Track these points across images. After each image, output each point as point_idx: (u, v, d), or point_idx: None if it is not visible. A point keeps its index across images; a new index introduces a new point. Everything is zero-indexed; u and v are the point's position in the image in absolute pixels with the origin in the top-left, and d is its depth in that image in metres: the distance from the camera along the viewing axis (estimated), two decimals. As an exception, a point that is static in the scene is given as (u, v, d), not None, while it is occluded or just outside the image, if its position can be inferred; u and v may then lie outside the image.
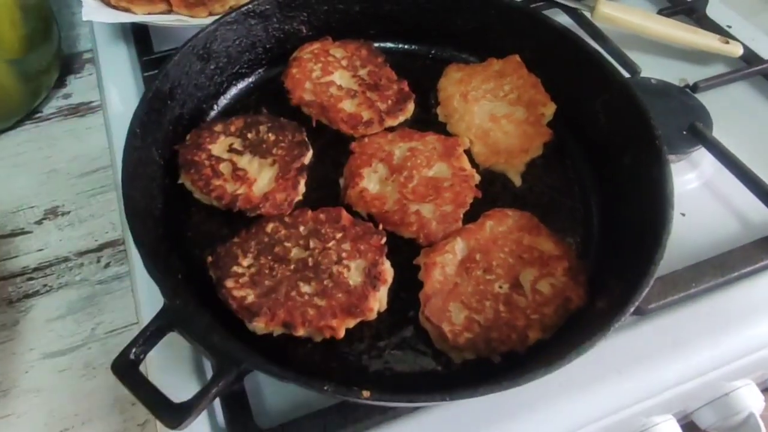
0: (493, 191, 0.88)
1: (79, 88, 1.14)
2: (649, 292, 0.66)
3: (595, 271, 0.77)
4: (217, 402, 0.70)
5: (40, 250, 0.90)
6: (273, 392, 0.73)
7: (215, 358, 0.60)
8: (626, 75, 1.01)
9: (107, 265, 0.89)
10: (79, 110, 1.10)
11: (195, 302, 0.68)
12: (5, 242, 0.91)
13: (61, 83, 1.14)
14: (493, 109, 0.94)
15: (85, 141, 1.05)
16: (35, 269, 0.88)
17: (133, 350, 0.60)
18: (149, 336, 0.61)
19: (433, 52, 1.07)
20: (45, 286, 0.87)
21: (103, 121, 1.05)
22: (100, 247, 0.90)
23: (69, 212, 0.94)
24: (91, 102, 1.11)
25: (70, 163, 1.01)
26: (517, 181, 0.89)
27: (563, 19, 1.12)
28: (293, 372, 0.57)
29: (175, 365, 0.74)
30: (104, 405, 0.74)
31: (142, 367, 0.72)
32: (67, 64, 1.17)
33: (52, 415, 0.76)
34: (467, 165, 0.88)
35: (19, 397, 0.77)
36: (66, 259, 0.89)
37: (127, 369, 0.59)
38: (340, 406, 0.69)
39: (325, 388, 0.56)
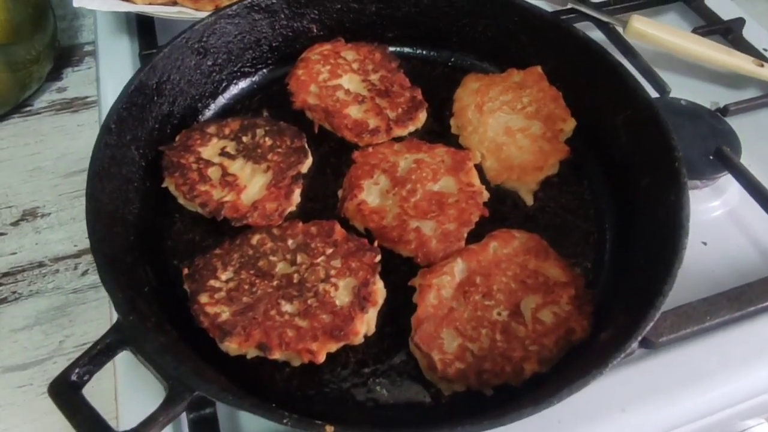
0: (502, 210, 0.84)
1: (75, 82, 1.12)
2: (661, 324, 0.65)
3: (602, 301, 0.73)
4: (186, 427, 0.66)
5: (14, 253, 0.88)
6: (249, 419, 0.69)
7: (167, 382, 0.56)
8: (655, 94, 0.99)
9: (85, 273, 0.86)
10: (73, 105, 1.09)
11: (161, 318, 0.65)
12: (-27, 242, 0.89)
13: (56, 76, 1.12)
14: (509, 122, 0.90)
15: (76, 138, 1.03)
16: (5, 274, 0.86)
17: (76, 371, 0.57)
18: (96, 354, 0.58)
19: (452, 59, 1.04)
20: (14, 293, 0.84)
21: (98, 118, 1.03)
22: (79, 253, 0.87)
23: (49, 214, 0.92)
24: (87, 97, 1.10)
25: (57, 161, 0.99)
26: (529, 200, 0.85)
27: (595, 34, 1.10)
28: (250, 401, 0.53)
29: (146, 385, 0.69)
30: (64, 427, 0.70)
31: (108, 384, 0.69)
32: (66, 56, 1.16)
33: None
34: (476, 181, 0.84)
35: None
36: (40, 265, 0.86)
37: (65, 391, 0.56)
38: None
39: (285, 421, 0.52)
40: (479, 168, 0.86)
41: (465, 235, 0.78)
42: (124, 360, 0.69)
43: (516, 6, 0.96)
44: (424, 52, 1.05)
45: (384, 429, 0.54)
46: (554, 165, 0.86)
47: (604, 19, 1.14)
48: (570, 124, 0.89)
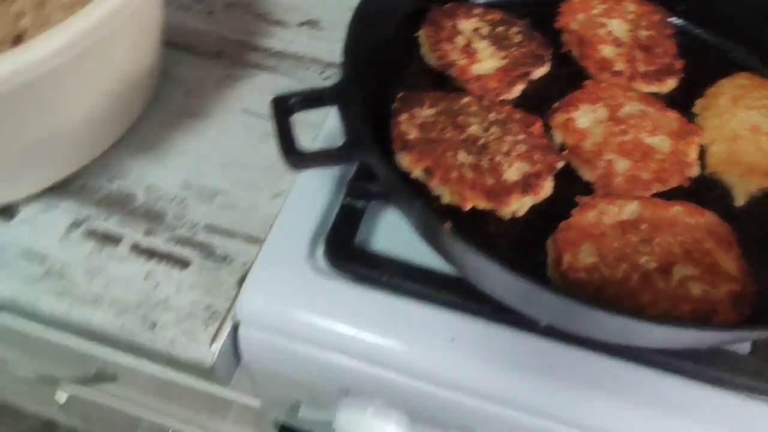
0: (704, 195, 0.78)
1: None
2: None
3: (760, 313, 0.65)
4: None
5: (290, 41, 1.05)
6: (388, 229, 0.78)
7: (348, 134, 0.65)
8: None
9: (326, 79, 1.00)
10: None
11: (365, 109, 0.73)
12: (268, 24, 1.09)
13: None
14: (761, 123, 0.83)
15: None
16: (275, 53, 1.03)
17: (293, 99, 0.69)
18: (309, 94, 0.70)
19: (732, 53, 0.97)
20: (272, 67, 1.02)
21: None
22: (328, 65, 1.01)
23: (325, 29, 1.07)
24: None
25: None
26: (740, 201, 0.78)
27: None
28: (401, 183, 0.59)
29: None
30: (266, 165, 0.87)
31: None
32: None
33: (221, 151, 0.91)
34: (693, 154, 0.79)
35: (199, 134, 0.93)
36: (300, 59, 1.03)
37: (280, 106, 0.68)
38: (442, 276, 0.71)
39: (415, 202, 0.57)
40: (703, 150, 0.81)
41: (654, 190, 0.75)
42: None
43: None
44: (706, 35, 0.98)
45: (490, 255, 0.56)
46: (788, 180, 0.78)
47: None
48: (832, 156, 0.79)
